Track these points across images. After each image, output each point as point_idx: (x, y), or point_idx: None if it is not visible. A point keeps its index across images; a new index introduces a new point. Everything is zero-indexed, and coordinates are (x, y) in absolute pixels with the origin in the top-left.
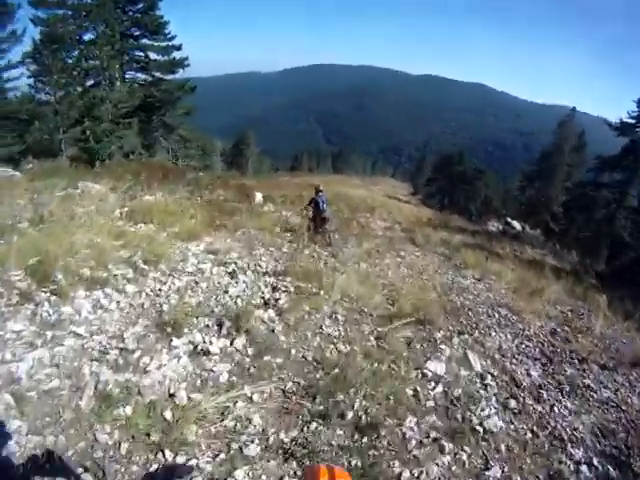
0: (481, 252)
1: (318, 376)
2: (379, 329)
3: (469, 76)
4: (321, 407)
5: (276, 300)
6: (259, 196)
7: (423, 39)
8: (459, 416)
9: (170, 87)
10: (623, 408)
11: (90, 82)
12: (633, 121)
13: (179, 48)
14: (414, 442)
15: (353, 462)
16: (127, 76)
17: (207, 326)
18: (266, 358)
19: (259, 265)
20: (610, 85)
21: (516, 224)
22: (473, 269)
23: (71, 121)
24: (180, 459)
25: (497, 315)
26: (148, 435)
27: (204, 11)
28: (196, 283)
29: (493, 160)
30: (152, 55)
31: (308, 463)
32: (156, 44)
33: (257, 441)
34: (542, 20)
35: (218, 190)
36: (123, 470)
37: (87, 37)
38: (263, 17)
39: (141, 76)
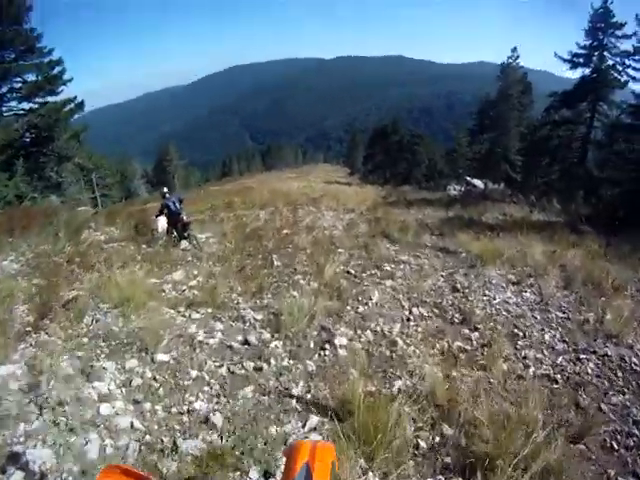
0: (474, 231)
1: None
2: None
3: (387, 50)
4: None
5: None
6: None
7: (333, 22)
8: None
9: (51, 110)
10: None
11: None
12: (585, 51)
13: (59, 63)
14: None
15: None
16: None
17: None
18: None
19: None
20: (525, 36)
21: (477, 182)
22: (494, 265)
23: None
24: None
25: None
26: None
27: (111, 31)
28: None
29: (421, 126)
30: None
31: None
32: (28, 62)
33: None
34: None
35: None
36: None
37: None
38: (171, 30)
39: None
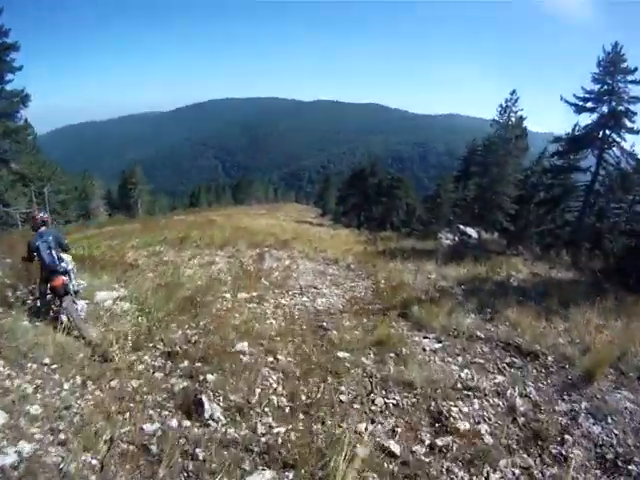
0: (521, 304)
1: None
2: None
3: (362, 97)
4: None
5: None
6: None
7: (313, 67)
8: None
9: None
10: None
11: None
12: (591, 95)
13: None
14: None
15: None
16: None
17: None
18: None
19: None
20: (494, 88)
21: (471, 231)
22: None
23: None
24: None
25: None
26: None
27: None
28: None
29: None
30: None
31: None
32: None
33: None
34: (428, 35)
35: None
36: None
37: None
38: (160, 56)
39: None
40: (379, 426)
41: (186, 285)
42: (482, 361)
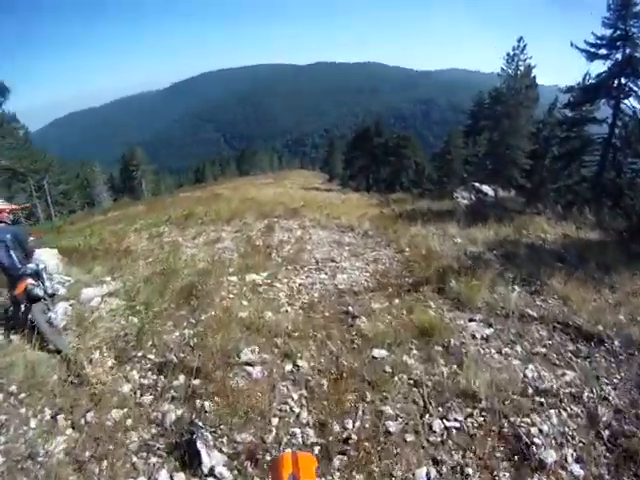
0: (563, 270)
1: None
2: None
3: (361, 57)
4: None
5: None
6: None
7: (307, 29)
8: None
9: None
10: None
11: None
12: (603, 42)
13: None
14: None
15: None
16: None
17: None
18: None
19: None
20: (495, 40)
21: (487, 189)
22: None
23: None
24: None
25: None
26: None
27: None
28: None
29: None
30: None
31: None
32: None
33: None
34: None
35: None
36: None
37: None
38: (145, 34)
39: None
40: (444, 468)
41: (186, 270)
42: (544, 350)
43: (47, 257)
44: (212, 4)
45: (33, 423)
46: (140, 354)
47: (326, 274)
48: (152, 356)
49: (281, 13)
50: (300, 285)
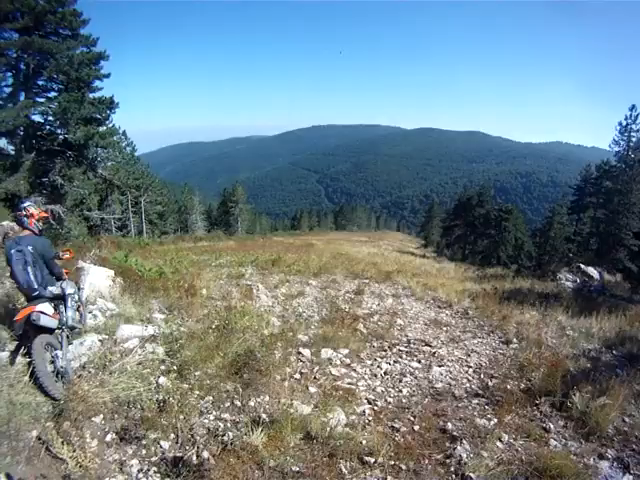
0: None
1: None
2: None
3: (463, 125)
4: None
5: None
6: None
7: (413, 93)
8: None
9: (71, 100)
10: None
11: None
12: None
13: (102, 57)
14: None
15: None
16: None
17: None
18: None
19: None
20: (599, 116)
21: (593, 271)
22: None
23: None
24: None
25: None
26: None
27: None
28: None
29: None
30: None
31: None
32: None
33: None
34: (528, 62)
35: None
36: None
37: None
38: (265, 84)
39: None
40: None
41: (253, 327)
42: None
43: (98, 278)
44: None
45: None
46: (153, 436)
47: (419, 362)
48: (167, 444)
49: (389, 79)
50: (386, 374)
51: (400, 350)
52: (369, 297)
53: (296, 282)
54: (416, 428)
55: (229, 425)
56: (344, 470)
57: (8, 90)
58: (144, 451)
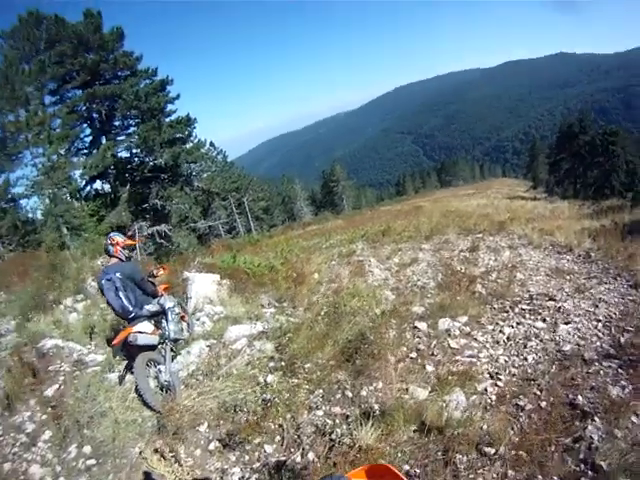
0: None
1: None
2: None
3: (543, 50)
4: None
5: None
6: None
7: (486, 32)
8: None
9: (149, 129)
10: None
11: None
12: None
13: (168, 82)
14: None
15: None
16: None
17: None
18: None
19: None
20: None
21: None
22: None
23: None
24: None
25: None
26: None
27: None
28: None
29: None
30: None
31: None
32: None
33: None
34: None
35: None
36: None
37: None
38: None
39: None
40: None
41: (364, 308)
42: None
43: (204, 285)
44: (401, 17)
45: None
46: (257, 440)
47: (544, 321)
48: (271, 447)
49: (464, 17)
50: (509, 339)
51: (523, 309)
52: (484, 253)
53: (408, 249)
54: (543, 404)
55: (338, 421)
56: (460, 466)
57: (89, 139)
58: (247, 457)
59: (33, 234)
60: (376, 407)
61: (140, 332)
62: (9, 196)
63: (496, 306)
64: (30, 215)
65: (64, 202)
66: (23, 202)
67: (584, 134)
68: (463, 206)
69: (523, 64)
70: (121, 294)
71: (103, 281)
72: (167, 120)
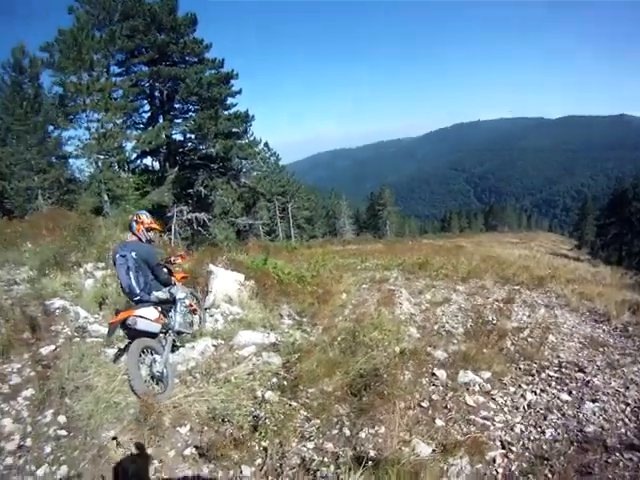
0: None
1: None
2: None
3: (605, 109)
4: None
5: None
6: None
7: (553, 81)
8: None
9: (206, 117)
10: None
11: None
12: None
13: (232, 76)
14: None
15: None
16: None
17: None
18: None
19: None
20: None
21: None
22: None
23: None
24: None
25: None
26: None
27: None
28: None
29: None
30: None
31: None
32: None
33: None
34: None
35: None
36: None
37: None
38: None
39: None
40: None
41: (384, 342)
42: None
43: (226, 282)
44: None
45: None
46: (236, 458)
47: (569, 394)
48: (249, 469)
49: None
50: (529, 406)
51: (549, 376)
52: (519, 307)
53: (442, 288)
54: None
55: (327, 459)
56: None
57: (146, 115)
58: (220, 473)
59: (74, 194)
60: (372, 454)
61: (141, 317)
62: (60, 152)
63: (522, 367)
64: (77, 175)
65: (111, 170)
66: (71, 161)
67: (637, 201)
68: (505, 254)
69: (583, 120)
70: (132, 274)
71: (117, 256)
72: (225, 113)
